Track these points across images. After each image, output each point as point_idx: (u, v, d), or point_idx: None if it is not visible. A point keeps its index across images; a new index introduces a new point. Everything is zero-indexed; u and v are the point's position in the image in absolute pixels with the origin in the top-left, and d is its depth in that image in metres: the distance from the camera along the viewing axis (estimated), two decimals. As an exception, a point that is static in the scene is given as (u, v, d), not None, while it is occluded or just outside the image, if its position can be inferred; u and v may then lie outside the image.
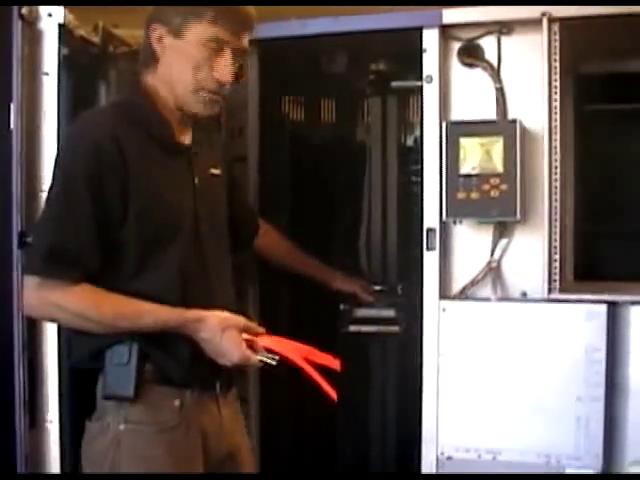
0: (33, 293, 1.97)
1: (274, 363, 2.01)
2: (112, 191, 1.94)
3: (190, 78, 2.03)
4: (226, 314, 2.02)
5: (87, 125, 2.03)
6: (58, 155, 2.08)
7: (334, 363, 2.09)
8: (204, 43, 2.01)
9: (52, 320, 2.18)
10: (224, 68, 2.02)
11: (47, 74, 2.30)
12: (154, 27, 2.05)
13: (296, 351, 2.06)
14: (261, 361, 2.01)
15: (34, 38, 2.28)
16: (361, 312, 2.83)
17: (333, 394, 2.06)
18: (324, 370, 2.05)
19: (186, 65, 2.02)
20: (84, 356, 2.04)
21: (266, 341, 2.05)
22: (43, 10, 2.28)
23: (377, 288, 2.88)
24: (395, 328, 2.80)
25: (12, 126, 2.23)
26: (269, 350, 2.03)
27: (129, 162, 1.96)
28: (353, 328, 2.83)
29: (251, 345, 2.01)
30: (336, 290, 2.74)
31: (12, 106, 2.23)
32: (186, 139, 2.13)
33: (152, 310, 1.96)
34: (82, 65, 2.50)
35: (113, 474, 1.96)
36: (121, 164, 1.95)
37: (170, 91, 2.07)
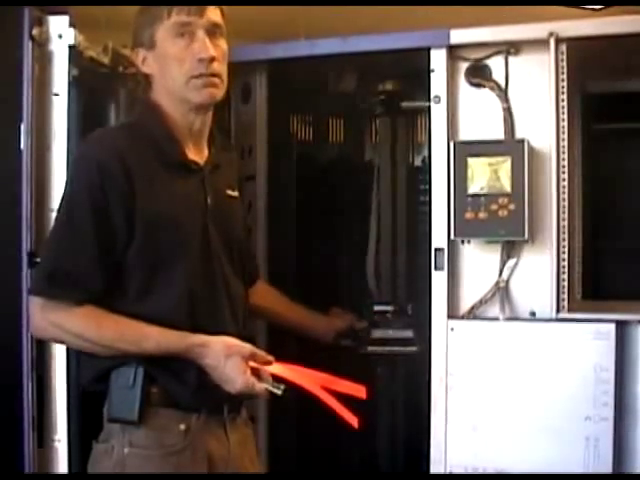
0: (37, 314, 1.98)
1: (279, 392, 1.96)
2: (116, 211, 1.95)
3: (179, 72, 2.04)
4: (232, 340, 1.99)
5: (91, 145, 2.04)
6: (66, 176, 2.09)
7: (359, 391, 2.06)
8: (173, 36, 2.04)
9: (56, 341, 2.17)
10: (202, 46, 2.03)
11: (57, 95, 2.32)
12: (136, 52, 2.11)
13: (312, 379, 2.02)
14: (266, 389, 1.97)
15: (44, 59, 2.31)
16: (377, 333, 2.83)
17: (354, 422, 2.03)
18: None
19: (171, 63, 2.05)
20: (91, 378, 2.03)
21: (279, 369, 2.00)
22: (53, 31, 2.31)
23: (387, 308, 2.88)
24: (412, 348, 2.79)
25: (22, 146, 2.25)
26: (277, 378, 1.98)
27: (135, 182, 1.96)
28: (371, 349, 2.82)
29: (257, 373, 1.97)
30: (335, 333, 2.65)
31: (22, 126, 2.25)
32: (199, 158, 2.13)
33: (154, 334, 1.95)
34: (92, 86, 2.51)
35: (113, 474, 1.95)
36: (126, 184, 1.95)
37: (171, 99, 2.08)
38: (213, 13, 2.07)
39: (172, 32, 2.04)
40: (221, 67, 2.08)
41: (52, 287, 1.94)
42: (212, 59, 2.03)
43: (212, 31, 2.06)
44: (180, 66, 2.04)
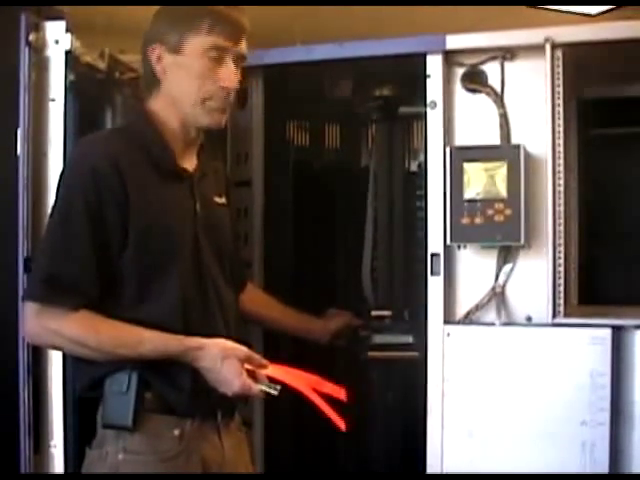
0: (33, 320, 1.96)
1: (275, 393, 1.98)
2: (111, 216, 1.94)
3: (196, 91, 2.03)
4: (228, 343, 2.00)
5: (86, 150, 2.03)
6: (59, 180, 2.07)
7: (339, 393, 2.07)
8: (205, 54, 2.02)
9: (53, 347, 2.17)
10: (228, 75, 2.03)
11: (54, 100, 2.31)
12: (152, 48, 2.06)
13: (303, 381, 2.04)
14: (262, 391, 1.98)
15: (41, 65, 2.31)
16: (376, 338, 2.83)
17: (341, 424, 2.04)
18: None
19: (191, 79, 2.03)
20: (85, 384, 2.03)
21: (272, 371, 2.02)
22: (50, 37, 2.30)
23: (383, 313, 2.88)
24: (412, 354, 2.79)
25: (19, 152, 2.25)
26: (272, 380, 2.00)
27: (128, 187, 1.95)
28: (371, 354, 2.82)
29: (253, 375, 1.98)
30: (331, 334, 2.63)
31: (19, 132, 2.24)
32: (189, 165, 2.12)
33: (151, 337, 1.94)
34: (89, 91, 2.51)
35: (113, 474, 1.95)
36: (120, 189, 1.94)
37: (175, 110, 2.07)
38: (244, 44, 2.08)
39: (205, 49, 2.02)
40: (234, 96, 2.10)
41: (48, 292, 1.93)
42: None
43: (237, 61, 2.07)
44: (200, 85, 2.03)
